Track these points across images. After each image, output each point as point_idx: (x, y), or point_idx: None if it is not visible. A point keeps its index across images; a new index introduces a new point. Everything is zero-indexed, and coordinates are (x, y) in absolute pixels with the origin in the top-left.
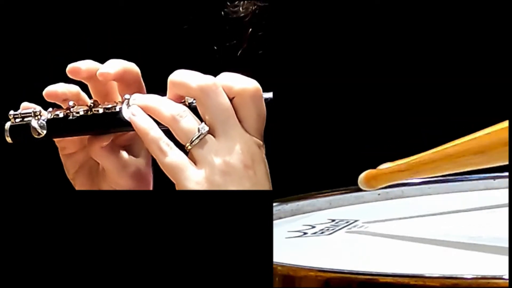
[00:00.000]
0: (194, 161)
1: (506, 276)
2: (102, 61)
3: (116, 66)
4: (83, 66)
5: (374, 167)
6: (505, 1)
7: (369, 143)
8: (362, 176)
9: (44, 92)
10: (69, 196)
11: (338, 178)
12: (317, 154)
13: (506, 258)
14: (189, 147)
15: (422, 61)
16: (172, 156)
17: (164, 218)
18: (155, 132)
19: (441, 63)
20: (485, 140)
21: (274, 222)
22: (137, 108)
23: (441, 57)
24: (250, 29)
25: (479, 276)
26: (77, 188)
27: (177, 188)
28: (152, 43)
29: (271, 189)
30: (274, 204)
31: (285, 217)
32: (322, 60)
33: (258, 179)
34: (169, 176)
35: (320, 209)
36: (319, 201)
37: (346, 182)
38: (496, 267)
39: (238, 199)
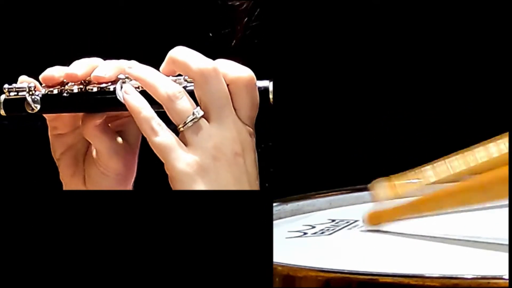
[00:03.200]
0: (185, 143)
1: (506, 276)
2: (97, 47)
3: (110, 70)
4: (79, 72)
5: (374, 166)
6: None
7: (369, 143)
8: (365, 216)
9: (41, 77)
10: (65, 197)
11: (338, 178)
12: (317, 154)
13: (506, 258)
14: (182, 129)
15: (423, 60)
16: (163, 136)
17: (164, 218)
18: (147, 112)
19: (442, 62)
20: (486, 178)
21: (274, 222)
22: (131, 87)
23: (441, 57)
24: (246, 18)
25: (479, 276)
26: (60, 169)
27: (166, 168)
28: (147, 30)
29: (258, 177)
30: (274, 204)
31: (285, 217)
32: (321, 57)
33: (247, 167)
34: (159, 156)
35: (320, 209)
36: (319, 201)
37: (346, 182)
38: (496, 267)
39: (238, 199)
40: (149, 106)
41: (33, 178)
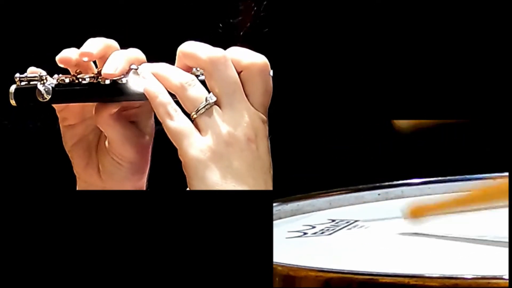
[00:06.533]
0: (198, 130)
1: (506, 276)
2: (106, 35)
3: (120, 64)
4: (95, 51)
5: (374, 166)
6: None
7: (369, 143)
8: (407, 210)
9: (57, 57)
10: (70, 196)
11: (338, 178)
12: (317, 154)
13: (506, 258)
14: (195, 116)
15: (425, 60)
16: (178, 121)
17: (165, 218)
18: (164, 97)
19: (442, 62)
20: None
21: (274, 222)
22: (148, 73)
23: (442, 57)
24: (255, 8)
25: (479, 276)
26: (73, 161)
27: (179, 154)
28: (156, 20)
29: (271, 165)
30: (274, 204)
31: (285, 217)
32: (324, 53)
33: (260, 154)
34: (172, 141)
35: (320, 209)
36: (319, 201)
37: (346, 182)
38: (496, 267)
39: (238, 199)
40: (166, 91)
41: (33, 178)
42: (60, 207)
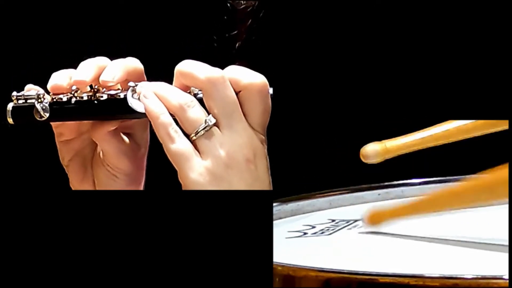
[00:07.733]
0: (198, 151)
1: (506, 276)
2: (102, 50)
3: (118, 72)
4: (88, 78)
5: (374, 166)
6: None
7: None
8: (366, 216)
9: (49, 86)
10: (69, 196)
11: (338, 178)
12: (317, 154)
13: (506, 258)
14: (194, 138)
15: (424, 61)
16: (179, 144)
17: (165, 218)
18: (166, 117)
19: (442, 63)
20: (491, 178)
21: (274, 222)
22: (150, 92)
23: (442, 58)
24: (250, 21)
25: (479, 276)
26: (70, 175)
27: (179, 177)
28: (151, 33)
29: (271, 184)
30: (274, 204)
31: (285, 217)
32: (322, 57)
33: (259, 174)
34: (173, 163)
35: (320, 209)
36: (319, 201)
37: (346, 182)
38: (496, 267)
39: (238, 199)
40: (167, 112)
41: (33, 178)
42: (60, 207)
